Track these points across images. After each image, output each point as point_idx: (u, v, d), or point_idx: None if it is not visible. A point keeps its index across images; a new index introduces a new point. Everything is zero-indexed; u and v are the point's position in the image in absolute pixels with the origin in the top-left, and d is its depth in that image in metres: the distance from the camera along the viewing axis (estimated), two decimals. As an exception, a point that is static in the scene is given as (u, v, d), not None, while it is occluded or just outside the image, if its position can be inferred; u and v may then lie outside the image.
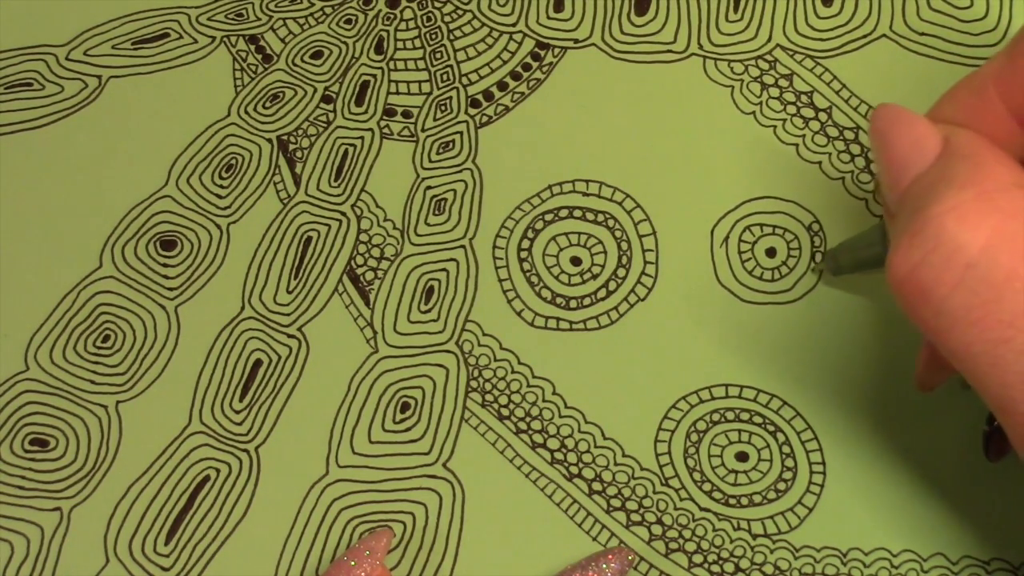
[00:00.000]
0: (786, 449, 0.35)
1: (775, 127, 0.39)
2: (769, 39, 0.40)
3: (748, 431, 0.35)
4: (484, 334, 0.37)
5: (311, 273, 0.38)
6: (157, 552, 0.35)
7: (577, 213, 0.38)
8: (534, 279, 0.37)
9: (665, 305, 0.37)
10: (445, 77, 0.40)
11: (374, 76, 0.40)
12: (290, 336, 0.37)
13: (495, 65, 0.40)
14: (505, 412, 0.36)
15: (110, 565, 0.35)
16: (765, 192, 0.38)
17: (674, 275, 0.37)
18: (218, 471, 0.36)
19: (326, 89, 0.40)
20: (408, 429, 0.36)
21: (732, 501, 0.35)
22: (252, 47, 0.41)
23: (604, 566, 0.33)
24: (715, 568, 0.34)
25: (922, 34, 0.39)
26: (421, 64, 0.40)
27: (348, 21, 0.41)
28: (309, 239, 0.38)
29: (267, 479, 0.35)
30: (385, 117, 0.40)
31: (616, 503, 0.35)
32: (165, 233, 0.38)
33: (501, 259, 0.38)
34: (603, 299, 0.37)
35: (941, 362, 0.32)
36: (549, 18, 0.41)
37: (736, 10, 0.40)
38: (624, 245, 0.37)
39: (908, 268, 0.24)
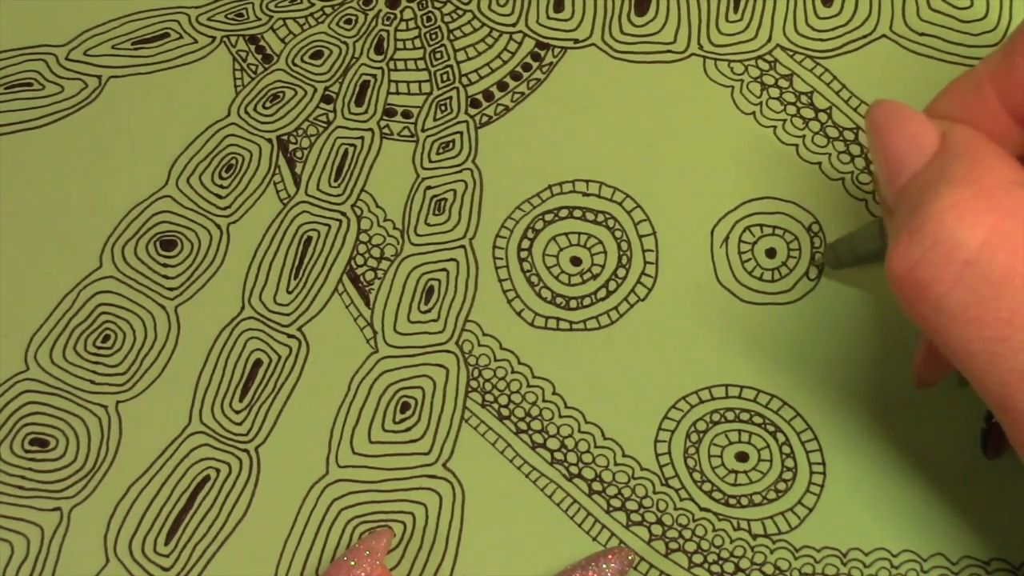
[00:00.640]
0: (786, 449, 0.35)
1: (775, 127, 0.39)
2: (769, 39, 0.40)
3: (748, 431, 0.35)
4: (484, 334, 0.37)
5: (311, 273, 0.38)
6: (157, 552, 0.35)
7: (577, 213, 0.38)
8: (534, 279, 0.37)
9: (665, 305, 0.37)
10: (445, 77, 0.40)
11: (374, 76, 0.40)
12: (290, 336, 0.37)
13: (495, 65, 0.40)
14: (505, 412, 0.36)
15: (110, 565, 0.35)
16: (765, 192, 0.38)
17: (674, 275, 0.37)
18: (218, 471, 0.36)
19: (326, 89, 0.40)
20: (408, 429, 0.36)
21: (732, 501, 0.35)
22: (252, 47, 0.41)
23: (604, 566, 0.33)
24: (715, 568, 0.34)
25: (922, 34, 0.39)
26: (421, 64, 0.40)
27: (348, 21, 0.41)
28: (309, 239, 0.38)
29: (267, 479, 0.35)
30: (385, 117, 0.40)
31: (616, 503, 0.35)
32: (165, 233, 0.38)
33: (501, 259, 0.38)
34: (603, 299, 0.37)
35: (939, 358, 0.32)
36: (549, 18, 0.41)
37: (736, 10, 0.40)
38: (624, 245, 0.37)
39: (907, 265, 0.24)
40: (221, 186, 0.39)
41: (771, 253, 0.37)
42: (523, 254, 0.38)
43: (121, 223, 0.38)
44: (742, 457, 0.35)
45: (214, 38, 0.41)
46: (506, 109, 0.39)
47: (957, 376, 0.34)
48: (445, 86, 0.40)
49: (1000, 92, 0.27)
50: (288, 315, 0.37)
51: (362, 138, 0.39)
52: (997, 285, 0.24)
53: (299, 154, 0.39)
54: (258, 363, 0.37)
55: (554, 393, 0.36)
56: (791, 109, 0.39)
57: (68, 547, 0.35)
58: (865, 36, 0.39)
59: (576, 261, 0.37)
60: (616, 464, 0.35)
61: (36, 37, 0.41)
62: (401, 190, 0.39)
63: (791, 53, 0.39)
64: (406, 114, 0.40)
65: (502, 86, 0.40)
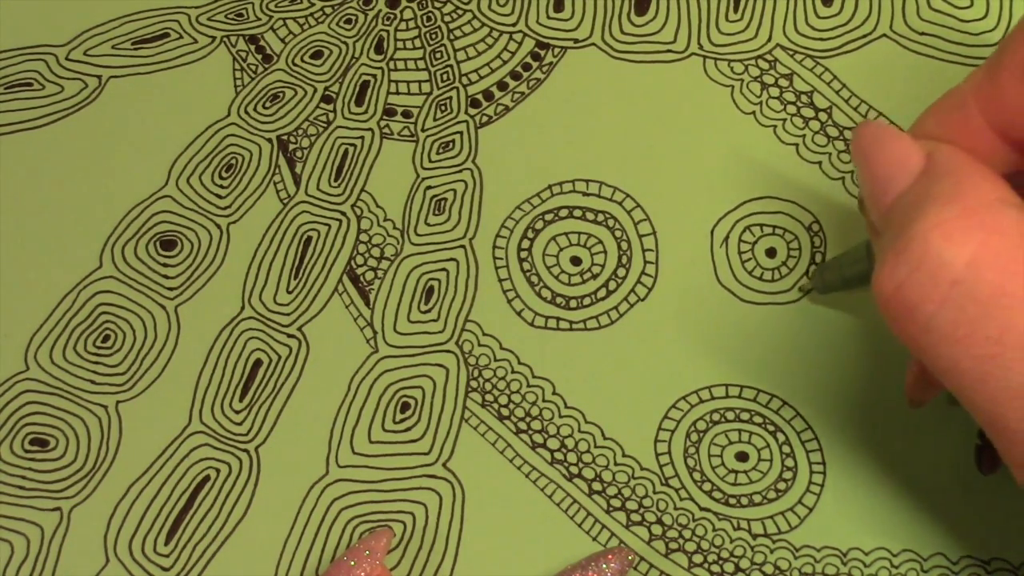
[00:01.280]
0: (786, 449, 0.35)
1: (775, 127, 0.39)
2: (769, 39, 0.40)
3: (748, 431, 0.35)
4: (484, 334, 0.37)
5: (311, 273, 0.38)
6: (157, 552, 0.35)
7: (577, 213, 0.38)
8: (534, 279, 0.37)
9: (665, 305, 0.37)
10: (445, 77, 0.40)
11: (374, 76, 0.40)
12: (290, 336, 0.37)
13: (495, 65, 0.40)
14: (505, 412, 0.36)
15: (110, 565, 0.35)
16: (765, 192, 0.38)
17: (674, 275, 0.37)
18: (218, 471, 0.36)
19: (326, 89, 0.40)
20: (408, 429, 0.36)
21: (732, 501, 0.35)
22: (252, 47, 0.41)
23: (604, 566, 0.33)
24: (715, 568, 0.34)
25: (922, 34, 0.39)
26: (421, 64, 0.40)
27: (348, 21, 0.41)
28: (309, 239, 0.38)
29: (267, 479, 0.35)
30: (385, 117, 0.40)
31: (616, 503, 0.35)
32: (165, 233, 0.38)
33: (501, 259, 0.38)
34: (603, 299, 0.37)
35: (930, 378, 0.32)
36: (549, 18, 0.41)
37: (736, 10, 0.40)
38: (624, 245, 0.37)
39: (894, 286, 0.24)
40: (221, 186, 0.39)
41: (771, 253, 0.37)
42: (523, 254, 0.38)
43: (121, 223, 0.38)
44: (742, 457, 0.35)
45: (214, 38, 0.41)
46: (506, 109, 0.39)
47: (947, 395, 0.34)
48: (445, 86, 0.40)
49: (984, 109, 0.27)
50: (288, 315, 0.37)
51: (362, 138, 0.39)
52: (984, 304, 0.23)
53: (299, 154, 0.39)
54: (258, 363, 0.37)
55: (554, 393, 0.36)
56: (791, 109, 0.39)
57: (68, 547, 0.35)
58: (865, 36, 0.39)
59: (576, 261, 0.37)
60: (616, 464, 0.35)
61: (36, 37, 0.41)
62: (401, 190, 0.39)
63: (791, 53, 0.39)
64: (406, 114, 0.40)
65: (502, 86, 0.40)
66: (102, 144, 0.39)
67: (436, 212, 0.38)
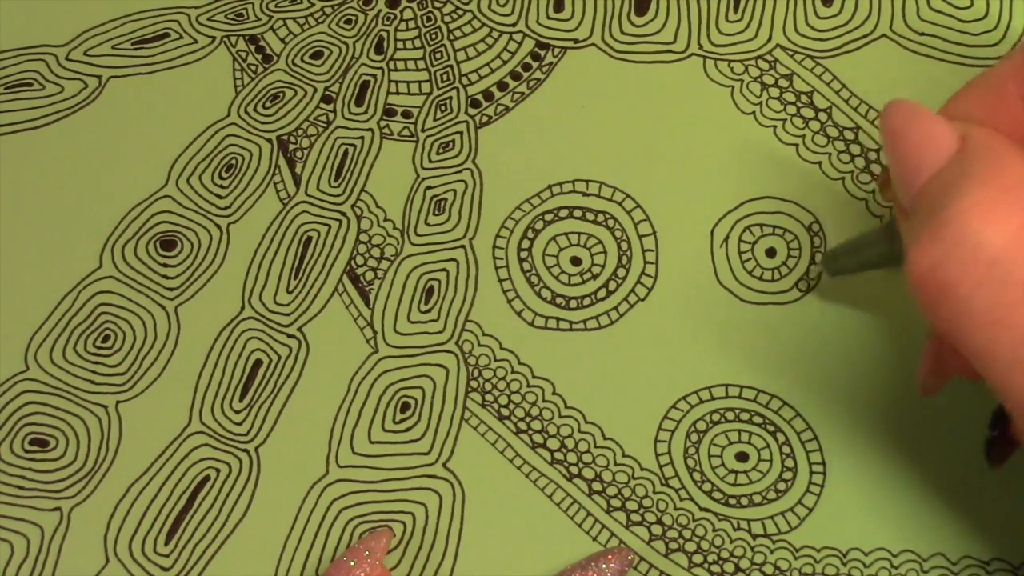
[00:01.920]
0: (786, 449, 0.35)
1: (775, 127, 0.39)
2: (769, 39, 0.40)
3: (748, 431, 0.35)
4: (484, 334, 0.37)
5: (311, 273, 0.38)
6: (157, 552, 0.35)
7: (577, 213, 0.38)
8: (534, 279, 0.37)
9: (665, 305, 0.37)
10: (445, 77, 0.40)
11: (374, 76, 0.40)
12: (290, 336, 0.37)
13: (495, 65, 0.40)
14: (505, 412, 0.36)
15: (110, 565, 0.35)
16: (765, 192, 0.38)
17: (674, 275, 0.37)
18: (218, 471, 0.36)
19: (326, 89, 0.40)
20: (408, 429, 0.36)
21: (732, 501, 0.35)
22: (252, 47, 0.41)
23: (604, 566, 0.33)
24: (715, 568, 0.34)
25: (922, 34, 0.39)
26: (421, 64, 0.40)
27: (348, 21, 0.41)
28: (309, 239, 0.38)
29: (267, 479, 0.35)
30: (385, 117, 0.40)
31: (616, 503, 0.35)
32: (165, 233, 0.38)
33: (501, 259, 0.38)
34: (603, 299, 0.37)
35: (944, 367, 0.32)
36: (549, 18, 0.41)
37: (736, 10, 0.40)
38: (624, 245, 0.37)
39: (928, 265, 0.24)
40: (221, 186, 0.39)
41: (771, 253, 0.37)
42: (523, 254, 0.38)
43: (121, 223, 0.38)
44: (742, 457, 0.35)
45: (214, 38, 0.41)
46: (506, 109, 0.39)
47: (950, 392, 0.34)
48: (445, 86, 0.40)
49: (1023, 90, 0.27)
50: (288, 315, 0.37)
51: (362, 138, 0.39)
52: (1022, 286, 0.23)
53: (299, 154, 0.39)
54: (258, 363, 0.37)
55: (554, 393, 0.36)
56: (791, 109, 0.39)
57: (68, 547, 0.35)
58: (865, 36, 0.39)
59: (576, 261, 0.37)
60: (616, 464, 0.35)
61: (36, 37, 0.41)
62: (401, 190, 0.39)
63: (791, 53, 0.39)
64: (406, 114, 0.40)
65: (502, 86, 0.40)
66: (102, 144, 0.39)
67: (436, 212, 0.38)
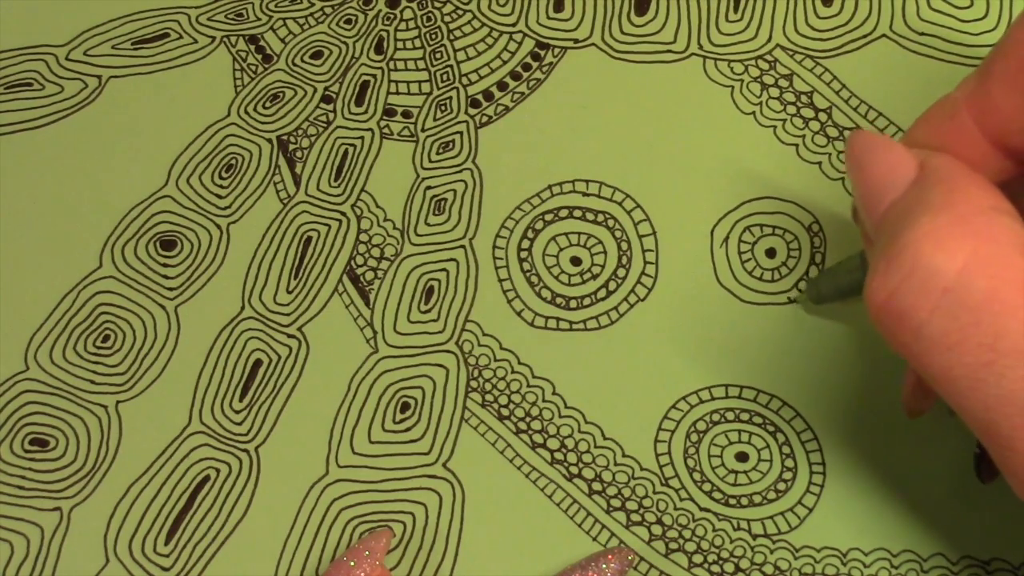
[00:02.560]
0: (786, 449, 0.35)
1: (775, 127, 0.39)
2: (769, 39, 0.40)
3: (748, 431, 0.35)
4: (484, 334, 0.37)
5: (311, 273, 0.38)
6: (157, 552, 0.35)
7: (577, 213, 0.38)
8: (534, 279, 0.37)
9: (665, 305, 0.37)
10: (445, 77, 0.40)
11: (374, 76, 0.40)
12: (290, 336, 0.37)
13: (495, 65, 0.40)
14: (505, 412, 0.36)
15: (110, 565, 0.35)
16: (765, 192, 0.38)
17: (674, 275, 0.37)
18: (218, 471, 0.36)
19: (326, 89, 0.40)
20: (408, 429, 0.36)
21: (732, 501, 0.35)
22: (252, 47, 0.41)
23: (604, 566, 0.33)
24: (715, 568, 0.34)
25: (922, 34, 0.39)
26: (421, 64, 0.40)
27: (348, 21, 0.41)
28: (309, 239, 0.38)
29: (267, 479, 0.35)
30: (385, 117, 0.40)
31: (616, 503, 0.35)
32: (165, 233, 0.38)
33: (501, 259, 0.38)
34: (603, 299, 0.37)
35: (927, 388, 0.32)
36: (549, 18, 0.41)
37: (736, 10, 0.40)
38: (624, 245, 0.37)
39: (885, 294, 0.24)
40: (221, 186, 0.39)
41: (771, 253, 0.37)
42: (523, 254, 0.38)
43: (121, 223, 0.38)
44: (742, 457, 0.35)
45: (214, 38, 0.41)
46: (506, 109, 0.39)
47: (947, 406, 0.34)
48: (445, 86, 0.40)
49: (977, 117, 0.27)
50: (288, 315, 0.37)
51: (362, 138, 0.39)
52: (976, 311, 0.23)
53: (299, 154, 0.39)
54: (258, 363, 0.37)
55: (554, 393, 0.36)
56: (791, 109, 0.39)
57: (68, 547, 0.35)
58: (865, 36, 0.39)
59: (576, 261, 0.37)
60: (616, 464, 0.35)
61: (36, 37, 0.41)
62: (401, 190, 0.39)
63: (791, 53, 0.39)
64: (406, 114, 0.40)
65: (502, 86, 0.40)
66: (102, 144, 0.39)
67: (436, 212, 0.38)
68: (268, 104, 0.40)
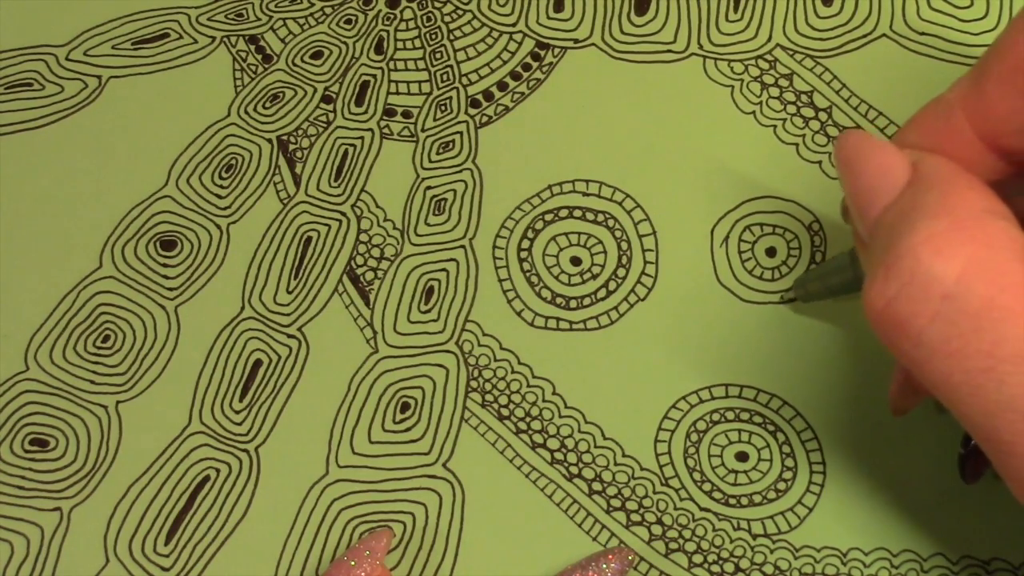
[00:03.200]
0: (786, 449, 0.35)
1: (775, 127, 0.39)
2: (769, 39, 0.40)
3: (748, 431, 0.35)
4: (484, 334, 0.37)
5: (311, 273, 0.38)
6: (157, 552, 0.35)
7: (577, 213, 0.38)
8: (534, 279, 0.37)
9: (665, 305, 0.37)
10: (445, 77, 0.40)
11: (374, 76, 0.40)
12: (290, 336, 0.37)
13: (495, 65, 0.40)
14: (505, 412, 0.36)
15: (110, 565, 0.35)
16: (765, 192, 0.38)
17: (674, 275, 0.37)
18: (218, 471, 0.36)
19: (326, 89, 0.40)
20: (408, 429, 0.36)
21: (732, 501, 0.35)
22: (252, 47, 0.41)
23: (604, 566, 0.33)
24: (715, 568, 0.34)
25: (922, 34, 0.39)
26: (421, 64, 0.40)
27: (348, 21, 0.41)
28: (309, 239, 0.38)
29: (267, 479, 0.35)
30: (385, 117, 0.40)
31: (616, 503, 0.35)
32: (165, 233, 0.38)
33: (501, 259, 0.38)
34: (603, 299, 0.37)
35: (914, 386, 0.32)
36: (549, 18, 0.41)
37: (736, 10, 0.40)
38: (624, 245, 0.37)
39: (884, 301, 0.24)
40: (221, 186, 0.39)
41: (771, 253, 0.37)
42: (523, 254, 0.38)
43: (121, 223, 0.38)
44: (742, 457, 0.35)
45: (214, 38, 0.41)
46: (506, 109, 0.39)
47: (935, 402, 0.34)
48: (445, 86, 0.40)
49: (971, 118, 0.27)
50: (288, 315, 0.37)
51: (362, 138, 0.39)
52: (976, 317, 0.23)
53: (299, 154, 0.39)
54: (258, 363, 0.37)
55: (554, 393, 0.36)
56: (791, 108, 0.39)
57: (68, 547, 0.35)
58: (865, 36, 0.39)
59: (576, 261, 0.37)
60: (616, 464, 0.35)
61: (36, 37, 0.41)
62: (401, 190, 0.39)
63: (791, 52, 0.39)
64: (406, 114, 0.40)
65: (502, 86, 0.40)
66: (102, 144, 0.39)
67: (436, 212, 0.38)
68: (268, 104, 0.40)
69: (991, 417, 0.24)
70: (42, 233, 0.38)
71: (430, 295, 0.37)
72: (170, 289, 0.38)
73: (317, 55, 0.41)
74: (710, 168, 0.38)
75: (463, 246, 0.38)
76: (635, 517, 0.35)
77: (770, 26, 0.40)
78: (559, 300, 0.37)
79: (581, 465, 0.35)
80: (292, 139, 0.39)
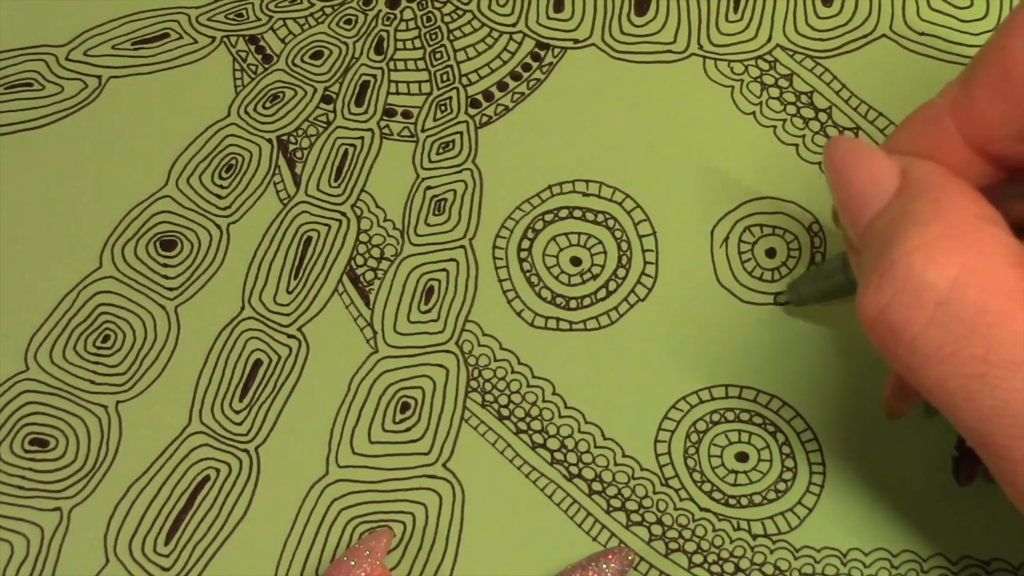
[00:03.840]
0: (786, 449, 0.35)
1: (775, 127, 0.39)
2: (769, 39, 0.40)
3: (748, 431, 0.35)
4: (484, 334, 0.37)
5: (311, 273, 0.38)
6: (157, 552, 0.35)
7: (577, 213, 0.38)
8: (534, 279, 0.37)
9: (665, 305, 0.37)
10: (445, 77, 0.40)
11: (374, 76, 0.40)
12: (290, 336, 0.37)
13: (495, 65, 0.40)
14: (505, 412, 0.36)
15: (110, 565, 0.35)
16: (765, 192, 0.38)
17: (674, 275, 0.37)
18: (218, 471, 0.36)
19: (326, 89, 0.40)
20: (408, 429, 0.36)
21: (732, 501, 0.35)
22: (252, 47, 0.41)
23: (604, 566, 0.33)
24: (715, 568, 0.34)
25: (922, 34, 0.39)
26: (421, 64, 0.40)
27: (348, 21, 0.41)
28: (309, 239, 0.38)
29: (267, 479, 0.35)
30: (385, 117, 0.40)
31: (616, 503, 0.35)
32: (165, 233, 0.38)
33: (501, 259, 0.38)
34: (603, 299, 0.37)
35: (908, 390, 0.32)
36: (549, 18, 0.41)
37: (736, 10, 0.40)
38: (624, 245, 0.37)
39: (878, 309, 0.24)
40: (221, 186, 0.39)
41: (771, 253, 0.37)
42: (523, 254, 0.38)
43: (121, 223, 0.38)
44: (742, 457, 0.35)
45: (214, 38, 0.41)
46: (506, 109, 0.39)
47: (924, 406, 0.34)
48: (445, 86, 0.40)
49: (960, 123, 0.27)
50: (288, 315, 0.37)
51: (362, 138, 0.39)
52: (970, 323, 0.24)
53: (299, 154, 0.39)
54: (258, 363, 0.37)
55: (554, 393, 0.36)
56: (791, 109, 0.39)
57: (68, 547, 0.35)
58: (865, 36, 0.39)
59: (576, 261, 0.37)
60: (616, 464, 0.35)
61: (36, 37, 0.41)
62: (401, 190, 0.39)
63: (791, 53, 0.39)
64: (406, 114, 0.40)
65: (502, 86, 0.40)
66: (102, 144, 0.39)
67: (436, 212, 0.38)
68: (268, 104, 0.40)
69: (986, 422, 0.24)
70: (42, 233, 0.38)
71: (430, 295, 0.37)
72: (170, 289, 0.38)
73: (317, 55, 0.41)
74: (710, 168, 0.38)
75: (463, 246, 0.38)
76: (635, 517, 0.35)
77: (770, 26, 0.40)
78: (559, 300, 0.37)
79: (581, 465, 0.35)
80: (292, 139, 0.39)
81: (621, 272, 0.37)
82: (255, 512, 0.35)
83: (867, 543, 0.34)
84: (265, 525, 0.35)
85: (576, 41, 0.40)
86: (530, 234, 0.38)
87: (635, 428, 0.35)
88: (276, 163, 0.39)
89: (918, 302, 0.24)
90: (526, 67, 0.40)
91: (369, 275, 0.38)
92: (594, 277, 0.37)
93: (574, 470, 0.35)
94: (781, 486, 0.35)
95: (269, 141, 0.39)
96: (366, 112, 0.40)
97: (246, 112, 0.40)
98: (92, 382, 0.37)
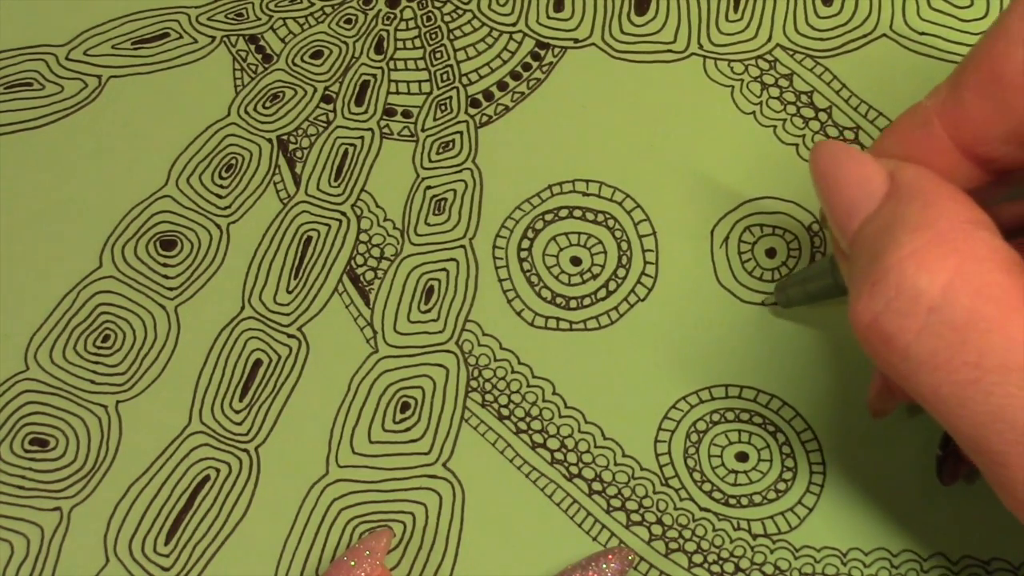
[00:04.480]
0: (786, 449, 0.35)
1: (775, 127, 0.39)
2: (769, 39, 0.40)
3: (748, 431, 0.35)
4: (484, 334, 0.37)
5: (311, 273, 0.38)
6: (157, 552, 0.35)
7: (577, 213, 0.38)
8: (534, 279, 0.37)
9: (665, 305, 0.37)
10: (445, 77, 0.40)
11: (374, 76, 0.40)
12: (290, 336, 0.37)
13: (495, 65, 0.40)
14: (505, 412, 0.36)
15: (110, 565, 0.35)
16: (765, 192, 0.38)
17: (674, 275, 0.37)
18: (218, 471, 0.36)
19: (326, 89, 0.40)
20: (408, 429, 0.36)
21: (732, 501, 0.35)
22: (252, 47, 0.41)
23: (604, 566, 0.33)
24: (715, 568, 0.34)
25: (922, 34, 0.39)
26: (421, 64, 0.40)
27: (348, 21, 0.41)
28: (309, 239, 0.38)
29: (267, 479, 0.35)
30: (385, 117, 0.40)
31: (616, 503, 0.35)
32: (165, 233, 0.38)
33: (501, 259, 0.38)
34: (603, 299, 0.37)
35: (892, 389, 0.32)
36: (549, 18, 0.41)
37: (736, 10, 0.40)
38: (624, 245, 0.37)
39: (871, 316, 0.24)
40: (221, 186, 0.39)
41: (771, 253, 0.37)
42: (523, 254, 0.38)
43: (121, 223, 0.38)
44: (742, 457, 0.35)
45: (214, 38, 0.41)
46: (506, 109, 0.39)
47: (907, 406, 0.34)
48: (445, 86, 0.40)
49: (948, 127, 0.27)
50: (288, 315, 0.37)
51: (362, 138, 0.39)
52: (962, 329, 0.24)
53: (299, 154, 0.39)
54: (258, 363, 0.37)
55: (554, 393, 0.36)
56: (791, 109, 0.39)
57: (68, 547, 0.35)
58: (865, 36, 0.39)
59: (576, 261, 0.37)
60: (616, 464, 0.35)
61: (36, 37, 0.41)
62: (401, 190, 0.39)
63: (791, 52, 0.39)
64: (406, 114, 0.40)
65: (502, 86, 0.40)
66: (102, 144, 0.39)
67: (436, 212, 0.38)
68: (268, 104, 0.40)
69: (980, 428, 0.24)
70: (42, 233, 0.38)
71: (430, 295, 0.37)
72: (170, 289, 0.38)
73: (317, 55, 0.41)
74: (710, 168, 0.38)
75: (463, 246, 0.38)
76: (635, 517, 0.35)
77: (770, 26, 0.40)
78: (559, 300, 0.37)
79: (581, 465, 0.35)
80: (292, 139, 0.39)
81: (621, 272, 0.37)
82: (255, 512, 0.35)
83: (867, 543, 0.34)
84: (265, 525, 0.35)
85: (576, 41, 0.40)
86: (530, 234, 0.38)
87: (635, 428, 0.35)
88: (276, 163, 0.39)
89: (911, 309, 0.24)
90: (526, 67, 0.40)
91: (369, 275, 0.38)
92: (594, 277, 0.37)
93: (574, 470, 0.35)
94: (781, 486, 0.35)
95: (269, 141, 0.39)
96: (366, 112, 0.40)
97: (246, 112, 0.40)
98: (92, 382, 0.37)
